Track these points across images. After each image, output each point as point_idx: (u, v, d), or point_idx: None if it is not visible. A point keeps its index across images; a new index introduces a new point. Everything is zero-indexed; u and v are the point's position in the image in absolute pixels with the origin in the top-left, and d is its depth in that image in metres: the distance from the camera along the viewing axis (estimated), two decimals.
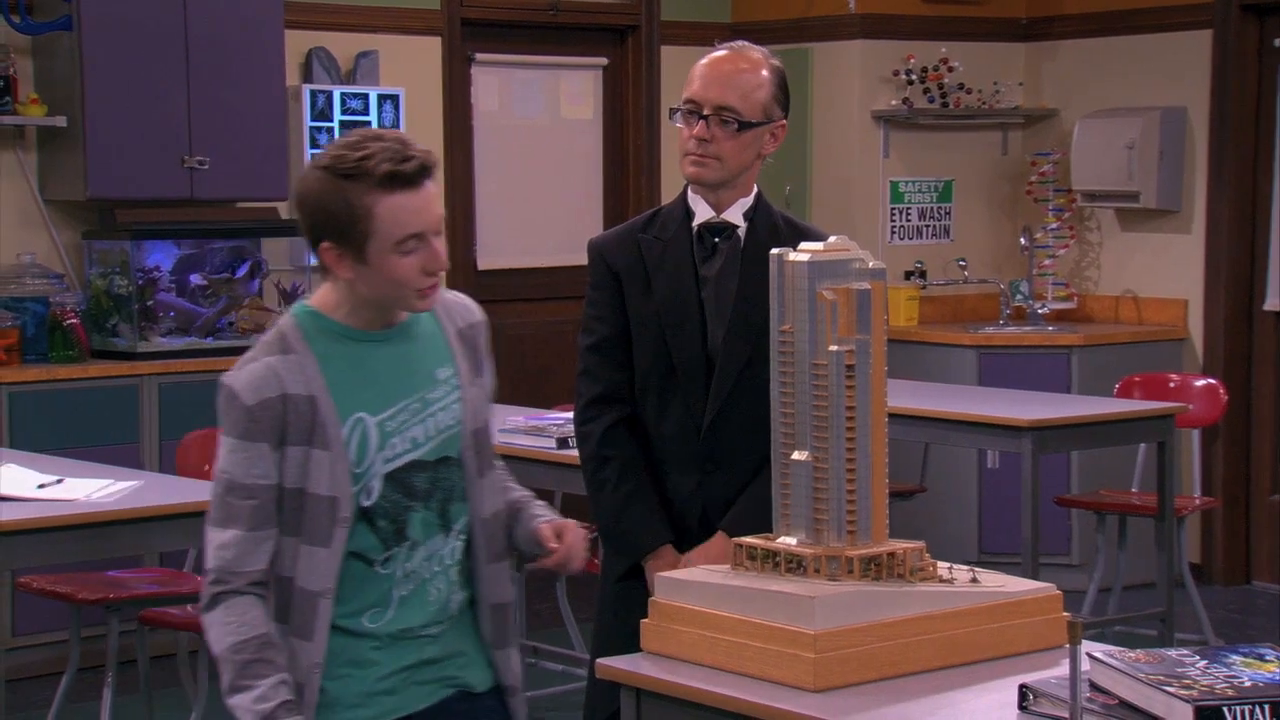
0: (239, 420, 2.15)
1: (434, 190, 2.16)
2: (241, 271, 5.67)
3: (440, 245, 2.17)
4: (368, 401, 2.19)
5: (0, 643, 3.34)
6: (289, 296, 5.74)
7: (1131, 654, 1.97)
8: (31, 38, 5.33)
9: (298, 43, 5.78)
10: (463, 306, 2.33)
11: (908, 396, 4.75)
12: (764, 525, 2.31)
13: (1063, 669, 1.96)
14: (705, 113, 2.68)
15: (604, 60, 6.70)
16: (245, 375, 2.17)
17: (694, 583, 2.20)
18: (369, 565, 2.20)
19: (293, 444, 2.15)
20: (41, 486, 3.52)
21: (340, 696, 2.20)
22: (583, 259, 2.84)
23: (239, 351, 5.63)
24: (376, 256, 2.14)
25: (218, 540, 2.16)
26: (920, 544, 2.20)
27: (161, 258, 5.53)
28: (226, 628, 2.14)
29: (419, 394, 2.23)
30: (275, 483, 2.16)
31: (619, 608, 2.66)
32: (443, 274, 2.19)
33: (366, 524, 2.20)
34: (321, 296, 2.23)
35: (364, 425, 2.18)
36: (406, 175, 2.13)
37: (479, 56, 6.38)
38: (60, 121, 5.24)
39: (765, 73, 2.72)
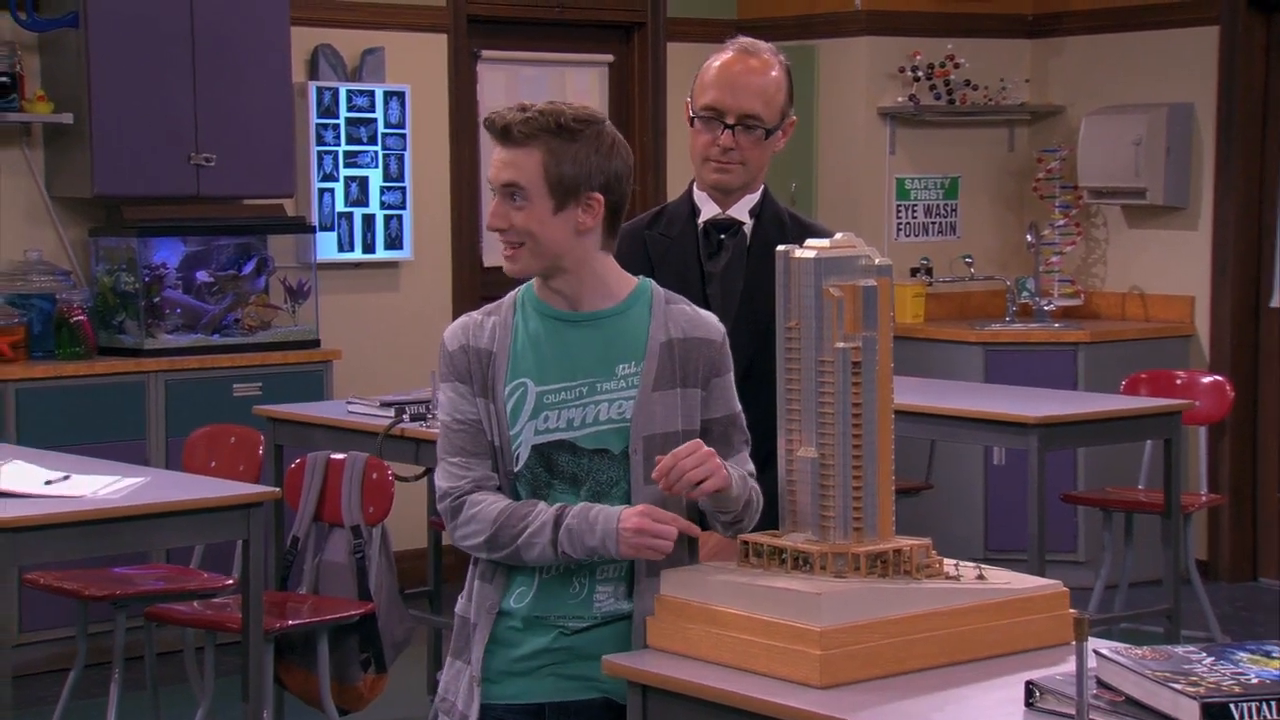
0: (444, 364, 2.31)
1: (508, 154, 2.24)
2: (248, 268, 5.67)
3: (497, 206, 2.26)
4: (536, 371, 2.26)
5: (7, 639, 3.34)
6: (295, 293, 5.74)
7: (1138, 651, 1.97)
8: (38, 34, 5.33)
9: (304, 40, 5.79)
10: (692, 321, 2.30)
11: (914, 393, 4.75)
12: (769, 522, 2.31)
13: (1069, 666, 1.96)
14: (729, 121, 2.67)
15: (610, 57, 6.70)
16: (451, 326, 2.33)
17: (700, 579, 2.20)
18: None
19: (478, 395, 2.28)
20: (48, 483, 3.52)
21: (484, 670, 2.27)
22: None
23: (245, 349, 5.73)
24: None
25: (443, 466, 2.30)
26: (926, 541, 2.20)
27: (168, 255, 5.53)
28: (476, 522, 2.25)
29: (589, 379, 2.26)
30: (479, 418, 2.28)
31: None
32: (511, 238, 2.25)
33: (513, 493, 2.26)
34: None
35: (524, 390, 2.26)
36: (487, 124, 2.27)
37: (485, 53, 6.38)
38: (66, 118, 5.25)
39: (778, 73, 2.71)
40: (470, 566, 2.33)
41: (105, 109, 5.24)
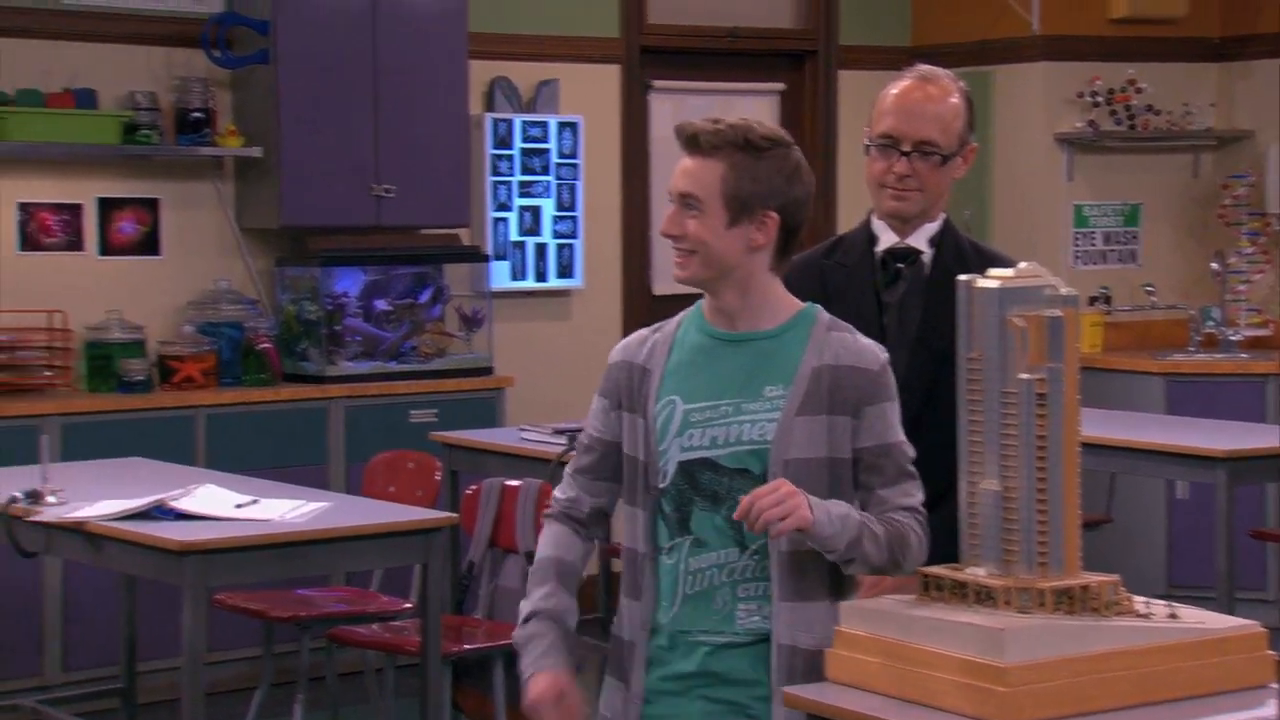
0: (603, 375, 2.38)
1: (691, 163, 2.28)
2: (424, 296, 5.79)
3: (673, 213, 2.29)
4: (686, 389, 2.29)
5: (198, 657, 3.45)
6: (470, 321, 5.84)
7: None
8: (231, 71, 5.53)
9: (481, 73, 5.90)
10: (849, 349, 2.29)
11: (1094, 425, 4.64)
12: (944, 555, 2.27)
13: (1268, 709, 1.89)
14: (905, 148, 2.65)
15: (781, 85, 6.70)
16: (622, 340, 2.39)
17: (881, 612, 2.17)
18: (662, 553, 2.30)
19: (627, 410, 2.33)
20: (239, 506, 3.64)
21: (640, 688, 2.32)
22: None
23: (422, 375, 5.83)
24: None
25: (565, 474, 2.40)
26: (1115, 577, 2.14)
27: (349, 283, 5.67)
28: (538, 547, 2.40)
29: (736, 399, 2.28)
30: (610, 439, 2.35)
31: None
32: (683, 246, 2.27)
33: (658, 508, 2.29)
34: None
35: (673, 407, 2.29)
36: (676, 132, 2.31)
37: (656, 83, 6.43)
38: (256, 152, 5.42)
39: (957, 99, 2.68)
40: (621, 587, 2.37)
41: (293, 142, 5.40)
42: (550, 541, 2.37)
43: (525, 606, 2.35)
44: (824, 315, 2.33)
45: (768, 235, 2.27)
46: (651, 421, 2.28)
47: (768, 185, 2.25)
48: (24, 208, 5.29)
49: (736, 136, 2.24)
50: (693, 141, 2.26)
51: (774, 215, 2.26)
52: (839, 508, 2.22)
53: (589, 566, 2.42)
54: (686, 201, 2.26)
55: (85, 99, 5.29)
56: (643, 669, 2.29)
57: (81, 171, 5.37)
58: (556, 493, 2.40)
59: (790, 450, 2.24)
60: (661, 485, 2.28)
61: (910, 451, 2.31)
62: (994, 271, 2.20)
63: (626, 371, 2.33)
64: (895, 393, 2.31)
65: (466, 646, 3.84)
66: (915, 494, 2.30)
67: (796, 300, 2.34)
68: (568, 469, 2.40)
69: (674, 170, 2.30)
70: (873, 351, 2.30)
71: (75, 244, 5.37)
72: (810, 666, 2.24)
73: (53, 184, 5.34)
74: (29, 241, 5.30)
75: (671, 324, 2.36)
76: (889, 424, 2.29)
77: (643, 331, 2.37)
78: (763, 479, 2.24)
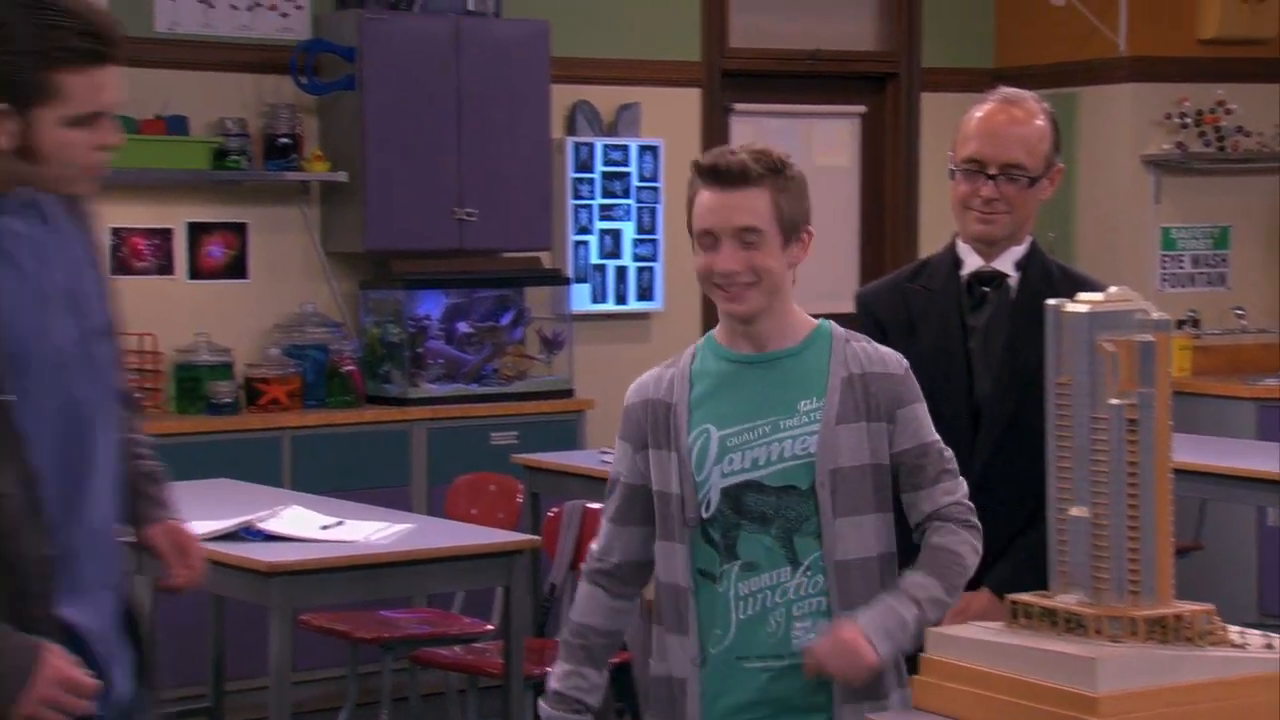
0: (621, 419, 2.38)
1: (735, 197, 2.24)
2: (505, 319, 5.83)
3: (731, 250, 2.25)
4: (718, 416, 2.29)
5: (285, 677, 3.48)
6: (550, 344, 5.87)
7: None
8: (317, 98, 5.60)
9: (563, 96, 5.94)
10: (871, 357, 2.32)
11: (1183, 450, 4.50)
12: (1030, 583, 2.24)
13: None
14: (991, 172, 2.64)
15: (862, 108, 6.68)
16: (636, 381, 2.39)
17: (968, 639, 2.15)
18: (711, 581, 2.29)
19: (654, 446, 2.31)
20: (324, 528, 3.67)
21: None
22: (838, 307, 2.84)
23: (503, 398, 5.85)
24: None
25: (601, 524, 2.40)
26: (1209, 606, 2.11)
27: (431, 306, 5.72)
28: (573, 609, 2.41)
29: (771, 418, 2.28)
30: (636, 483, 2.33)
31: None
32: (744, 279, 2.25)
33: (705, 537, 2.29)
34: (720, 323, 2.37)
35: (707, 436, 2.29)
36: (710, 171, 2.26)
37: (737, 106, 6.43)
38: (342, 177, 5.49)
39: (1042, 121, 2.68)
40: (655, 625, 2.34)
41: (377, 167, 5.46)
42: (581, 607, 2.39)
43: (549, 680, 2.39)
44: (838, 328, 2.36)
45: (805, 251, 2.32)
46: (685, 453, 2.28)
47: (801, 205, 2.30)
48: (116, 232, 5.39)
49: (773, 162, 2.27)
50: (742, 174, 2.24)
51: (811, 231, 2.31)
52: (891, 618, 2.23)
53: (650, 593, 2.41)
54: (745, 235, 2.26)
55: (176, 125, 5.39)
56: (698, 705, 2.28)
57: (172, 197, 5.46)
58: (592, 544, 2.41)
59: (836, 459, 2.25)
60: (706, 515, 2.27)
61: (947, 451, 2.33)
62: (1084, 296, 2.18)
63: (650, 410, 2.32)
64: (921, 394, 2.33)
65: (549, 669, 3.84)
66: (958, 489, 2.32)
67: (809, 316, 2.37)
68: (604, 516, 2.40)
69: (709, 208, 2.25)
70: (894, 357, 2.34)
71: (165, 268, 5.47)
72: (872, 676, 2.25)
73: (144, 209, 5.43)
74: (121, 265, 5.39)
75: (684, 358, 2.36)
76: (922, 424, 2.32)
77: (654, 370, 2.38)
78: (810, 493, 2.25)
